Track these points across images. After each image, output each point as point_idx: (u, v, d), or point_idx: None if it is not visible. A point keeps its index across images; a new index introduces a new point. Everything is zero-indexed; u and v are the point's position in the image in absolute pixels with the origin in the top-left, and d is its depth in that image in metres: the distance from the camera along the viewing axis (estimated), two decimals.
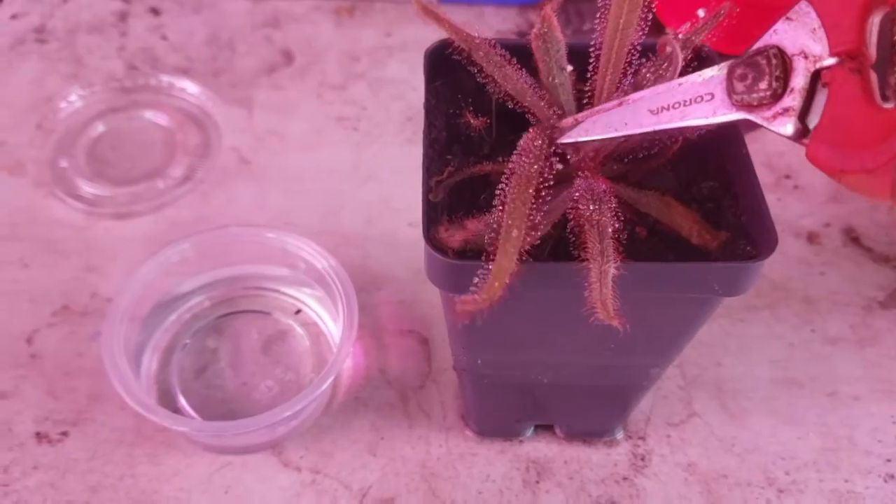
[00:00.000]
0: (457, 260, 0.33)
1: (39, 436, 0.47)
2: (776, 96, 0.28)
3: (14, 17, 0.69)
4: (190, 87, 0.62)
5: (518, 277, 0.34)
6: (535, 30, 0.39)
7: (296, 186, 0.58)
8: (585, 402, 0.44)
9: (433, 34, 0.67)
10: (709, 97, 0.30)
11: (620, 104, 0.33)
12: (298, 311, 0.50)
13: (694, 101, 0.31)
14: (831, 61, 0.26)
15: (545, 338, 0.38)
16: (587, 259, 0.33)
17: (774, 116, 0.28)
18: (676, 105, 0.31)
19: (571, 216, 0.35)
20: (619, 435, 0.47)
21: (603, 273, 0.32)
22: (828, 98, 0.26)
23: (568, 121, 0.35)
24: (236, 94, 0.63)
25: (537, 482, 0.46)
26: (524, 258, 0.33)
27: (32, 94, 0.63)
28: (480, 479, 0.46)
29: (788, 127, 0.28)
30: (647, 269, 0.33)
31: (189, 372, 0.48)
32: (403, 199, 0.57)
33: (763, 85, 0.28)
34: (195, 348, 0.49)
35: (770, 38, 0.28)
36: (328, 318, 0.50)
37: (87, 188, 0.57)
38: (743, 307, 0.53)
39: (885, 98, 0.24)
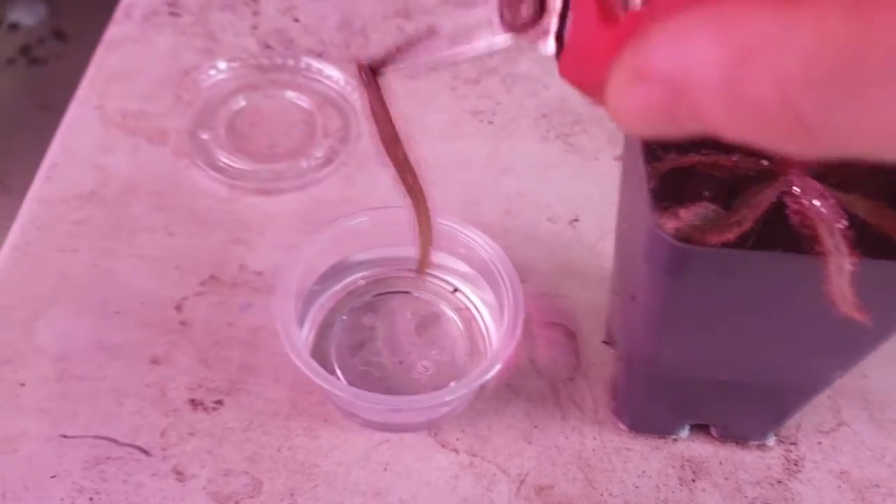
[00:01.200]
0: (691, 245, 0.34)
1: (194, 403, 0.47)
2: (536, 19, 0.29)
3: None
4: (328, 70, 0.62)
5: (738, 266, 0.34)
6: None
7: (435, 175, 0.57)
8: (754, 403, 0.44)
9: None
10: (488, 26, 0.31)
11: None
12: (455, 290, 0.49)
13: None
14: None
15: (747, 332, 0.38)
16: (822, 253, 0.33)
17: (538, 36, 0.29)
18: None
19: (792, 210, 0.35)
20: (772, 440, 0.47)
21: (840, 268, 0.33)
22: (570, 16, 0.27)
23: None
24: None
25: (693, 480, 0.46)
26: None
27: (168, 65, 0.63)
28: (636, 474, 0.46)
29: (549, 47, 0.29)
30: (879, 267, 0.34)
31: (346, 348, 0.48)
32: (541, 195, 0.57)
33: (524, 10, 0.29)
34: (352, 325, 0.49)
35: None
36: (481, 305, 0.50)
37: (228, 161, 0.57)
38: None
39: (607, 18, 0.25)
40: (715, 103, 0.18)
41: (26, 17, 1.89)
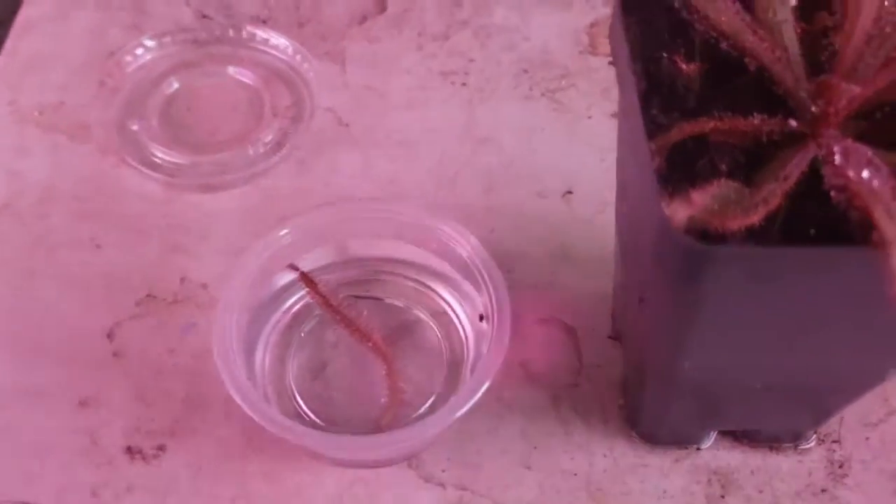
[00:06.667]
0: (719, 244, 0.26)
1: (131, 451, 0.40)
2: None
3: None
4: (275, 39, 0.54)
5: (775, 266, 0.27)
6: None
7: (402, 151, 0.50)
8: (792, 405, 0.37)
9: None
10: None
11: None
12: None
13: None
14: None
15: (786, 338, 0.31)
16: (880, 243, 0.26)
17: None
18: None
19: (834, 184, 0.27)
20: (811, 440, 0.40)
21: None
22: None
23: None
24: (326, 48, 0.55)
25: (722, 496, 0.39)
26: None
27: (91, 47, 0.55)
28: (656, 496, 0.39)
29: None
30: None
31: (306, 370, 0.41)
32: (527, 165, 0.50)
33: None
34: (312, 342, 0.42)
35: None
36: (458, 306, 0.43)
37: (164, 155, 0.49)
38: None
39: None
40: None
41: None
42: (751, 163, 0.31)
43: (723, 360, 0.32)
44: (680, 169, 0.30)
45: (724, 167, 0.30)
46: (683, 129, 0.30)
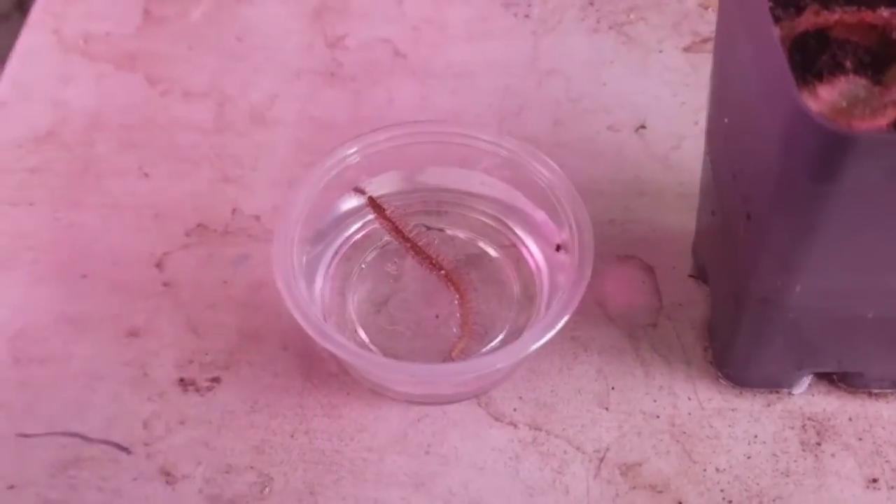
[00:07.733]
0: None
1: (184, 382, 0.37)
2: None
3: None
4: None
5: None
6: None
7: (464, 84, 0.48)
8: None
9: None
10: None
11: None
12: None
13: None
14: None
15: None
16: None
17: None
18: None
19: None
20: None
21: None
22: None
23: None
24: None
25: (818, 443, 0.36)
26: None
27: None
28: (746, 441, 0.36)
29: None
30: None
31: (368, 303, 0.39)
32: (596, 98, 0.47)
33: None
34: (373, 274, 0.39)
35: None
36: (530, 241, 0.40)
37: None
38: None
39: None
40: None
41: None
42: (875, 62, 0.28)
43: (840, 280, 0.29)
44: (801, 66, 0.28)
45: (848, 65, 0.28)
46: (811, 18, 0.27)
